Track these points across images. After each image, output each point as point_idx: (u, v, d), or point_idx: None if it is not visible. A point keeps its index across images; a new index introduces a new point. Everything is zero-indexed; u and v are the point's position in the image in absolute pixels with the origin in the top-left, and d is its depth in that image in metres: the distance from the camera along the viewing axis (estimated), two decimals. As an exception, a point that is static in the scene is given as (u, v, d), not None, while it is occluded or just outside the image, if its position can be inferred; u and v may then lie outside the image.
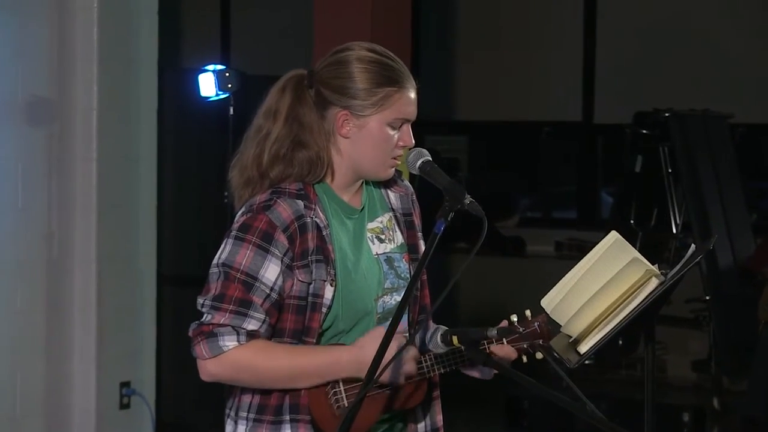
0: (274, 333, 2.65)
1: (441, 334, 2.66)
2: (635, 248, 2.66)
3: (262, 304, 2.59)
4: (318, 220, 2.65)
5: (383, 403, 2.66)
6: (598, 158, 9.89)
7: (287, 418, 2.64)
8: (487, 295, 8.87)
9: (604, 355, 7.88)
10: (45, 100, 5.86)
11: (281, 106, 2.70)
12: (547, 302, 2.67)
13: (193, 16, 9.63)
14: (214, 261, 2.64)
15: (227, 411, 2.74)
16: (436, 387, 2.82)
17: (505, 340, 2.71)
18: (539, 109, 9.64)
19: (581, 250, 8.51)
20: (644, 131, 7.98)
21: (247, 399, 2.68)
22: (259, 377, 2.63)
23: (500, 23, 9.84)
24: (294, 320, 2.64)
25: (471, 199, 2.53)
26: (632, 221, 8.07)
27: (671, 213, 8.05)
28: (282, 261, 2.60)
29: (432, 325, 2.84)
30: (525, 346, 2.72)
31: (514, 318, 2.74)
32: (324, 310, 2.64)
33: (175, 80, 6.99)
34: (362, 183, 2.77)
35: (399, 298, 2.70)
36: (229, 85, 6.18)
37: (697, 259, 2.67)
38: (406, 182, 2.88)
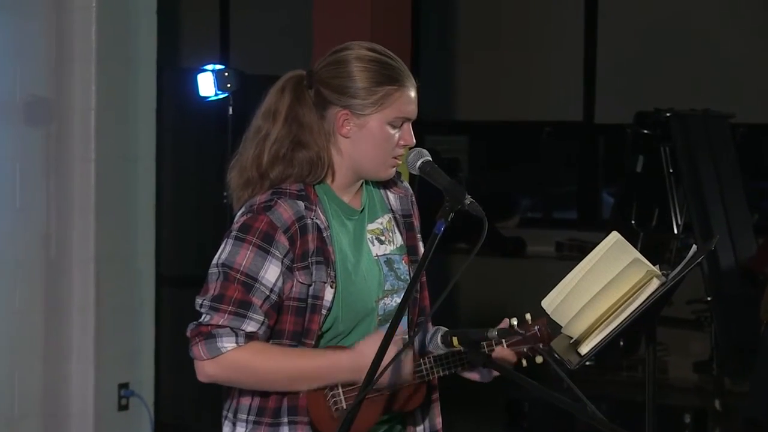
0: (272, 335, 2.64)
1: (441, 335, 2.66)
2: (636, 249, 2.65)
3: (261, 306, 2.58)
4: (318, 222, 2.64)
5: (382, 405, 2.66)
6: (598, 158, 9.89)
7: (285, 420, 2.64)
8: (488, 295, 8.86)
9: (605, 357, 7.87)
10: (43, 99, 5.86)
11: (280, 107, 2.69)
12: (548, 303, 2.66)
13: (192, 16, 9.63)
14: (214, 261, 2.63)
15: (224, 413, 2.73)
16: (435, 389, 2.82)
17: (505, 344, 2.70)
18: (540, 109, 9.64)
19: (582, 250, 8.51)
20: (645, 131, 7.97)
21: (246, 401, 2.67)
22: (256, 379, 2.61)
23: (500, 23, 9.83)
24: (293, 322, 2.62)
25: (471, 199, 2.52)
26: (633, 222, 8.06)
27: (672, 213, 8.03)
28: (282, 262, 2.59)
29: (431, 327, 2.83)
30: (525, 350, 2.72)
31: (514, 321, 2.73)
32: (324, 312, 2.63)
33: (174, 80, 6.97)
34: (362, 184, 2.76)
35: (399, 300, 2.69)
36: (228, 85, 6.16)
37: (699, 260, 2.66)
38: (406, 184, 2.87)
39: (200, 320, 2.60)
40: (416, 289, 2.73)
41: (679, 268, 2.64)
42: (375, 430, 2.69)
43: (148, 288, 6.24)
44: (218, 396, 2.78)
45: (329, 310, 2.63)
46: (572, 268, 2.65)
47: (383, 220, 2.77)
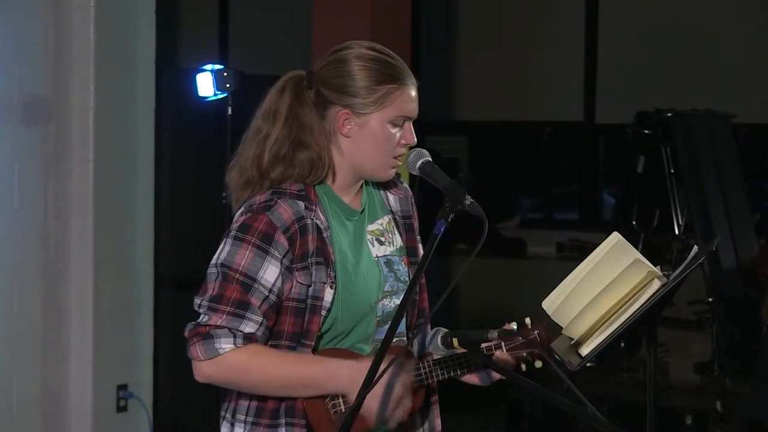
0: (271, 335, 2.63)
1: (441, 337, 2.66)
2: (637, 249, 2.64)
3: (260, 306, 2.57)
4: (318, 222, 2.63)
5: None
6: (599, 159, 9.88)
7: (283, 421, 2.63)
8: (488, 296, 8.85)
9: (606, 358, 7.86)
10: (41, 99, 5.86)
11: (281, 107, 2.68)
12: (549, 304, 2.65)
13: (190, 16, 9.63)
14: (213, 261, 2.62)
15: (223, 413, 2.72)
16: (434, 392, 2.81)
17: (504, 348, 2.69)
18: (540, 109, 9.63)
19: (583, 251, 8.51)
20: (646, 131, 7.95)
21: (244, 402, 2.66)
22: (253, 382, 2.60)
23: (501, 23, 9.83)
24: (292, 323, 2.61)
25: (471, 199, 2.51)
26: (634, 222, 8.05)
27: (674, 214, 8.01)
28: (281, 262, 2.58)
29: (431, 328, 2.81)
30: (524, 354, 2.71)
31: (514, 326, 2.72)
32: (323, 312, 2.62)
33: (173, 80, 6.96)
34: (362, 185, 2.74)
35: (398, 302, 2.68)
36: (228, 85, 6.15)
37: (700, 261, 2.66)
38: (405, 185, 2.87)
39: (198, 320, 2.59)
40: (415, 290, 2.71)
41: (680, 268, 2.64)
42: (374, 432, 2.68)
43: (146, 289, 6.24)
44: (217, 397, 2.77)
45: (329, 310, 2.62)
46: (573, 269, 2.65)
47: (383, 221, 2.76)
